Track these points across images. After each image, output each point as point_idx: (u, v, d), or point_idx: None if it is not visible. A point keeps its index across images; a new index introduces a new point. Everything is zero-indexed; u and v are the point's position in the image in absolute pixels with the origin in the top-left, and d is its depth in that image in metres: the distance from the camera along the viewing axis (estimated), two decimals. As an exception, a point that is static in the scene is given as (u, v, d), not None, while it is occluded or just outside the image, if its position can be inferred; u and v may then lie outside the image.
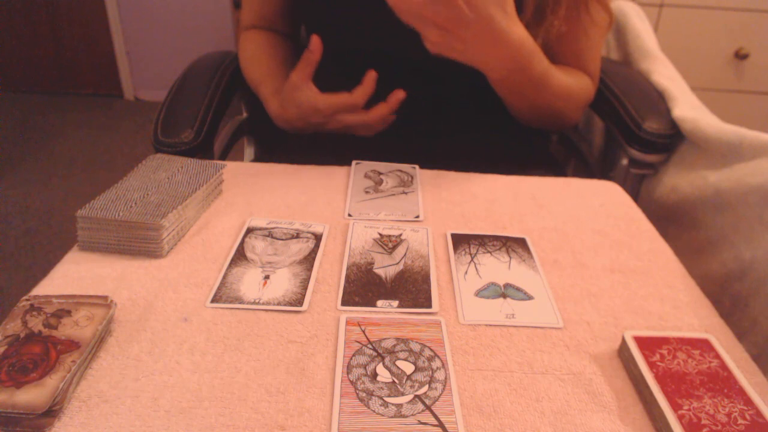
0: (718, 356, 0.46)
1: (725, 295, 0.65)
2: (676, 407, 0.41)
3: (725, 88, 1.94)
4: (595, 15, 0.73)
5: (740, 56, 1.88)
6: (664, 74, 0.92)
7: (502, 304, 0.52)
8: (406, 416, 0.40)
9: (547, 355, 0.47)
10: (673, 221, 0.79)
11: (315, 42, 0.72)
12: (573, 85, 0.79)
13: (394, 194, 0.69)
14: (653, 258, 0.61)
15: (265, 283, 0.53)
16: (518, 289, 0.54)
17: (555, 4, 0.70)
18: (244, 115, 1.01)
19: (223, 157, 0.89)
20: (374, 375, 0.44)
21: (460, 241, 0.61)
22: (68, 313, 0.46)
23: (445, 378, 0.44)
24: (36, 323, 0.44)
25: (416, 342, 0.47)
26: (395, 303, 0.52)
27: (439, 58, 0.66)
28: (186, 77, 0.91)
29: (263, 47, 0.90)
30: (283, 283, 0.53)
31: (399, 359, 0.45)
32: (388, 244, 0.60)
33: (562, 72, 0.77)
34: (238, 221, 0.62)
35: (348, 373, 0.44)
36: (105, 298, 0.48)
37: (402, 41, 0.66)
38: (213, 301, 0.51)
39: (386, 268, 0.56)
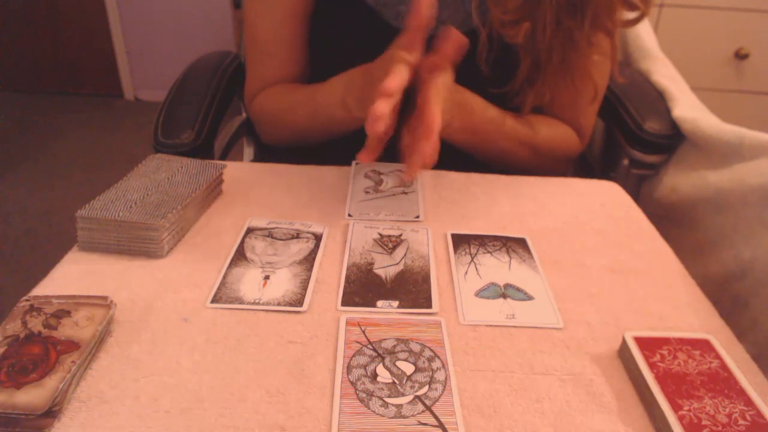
0: (718, 356, 0.46)
1: (725, 295, 0.65)
2: (676, 408, 0.41)
3: (725, 88, 1.94)
4: (580, 86, 0.73)
5: (740, 56, 1.87)
6: (664, 74, 0.92)
7: (502, 305, 0.52)
8: (407, 417, 0.40)
9: (547, 355, 0.47)
10: (673, 221, 0.79)
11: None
12: (535, 134, 0.78)
13: (394, 194, 0.69)
14: (653, 258, 0.61)
15: (265, 283, 0.53)
16: (518, 290, 0.54)
17: (545, 72, 0.71)
18: (244, 115, 1.01)
19: (223, 157, 0.89)
20: (374, 375, 0.44)
21: (460, 241, 0.61)
22: (68, 313, 0.46)
23: (446, 378, 0.44)
24: (36, 324, 0.44)
25: (416, 342, 0.47)
26: (395, 303, 0.51)
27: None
28: (186, 77, 0.91)
29: (298, 86, 0.81)
30: (283, 283, 0.53)
31: (399, 360, 0.45)
32: (388, 244, 0.60)
33: (526, 122, 0.78)
34: (238, 221, 0.62)
35: (348, 374, 0.44)
36: (105, 298, 0.48)
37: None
38: (213, 301, 0.51)
39: (386, 268, 0.56)
